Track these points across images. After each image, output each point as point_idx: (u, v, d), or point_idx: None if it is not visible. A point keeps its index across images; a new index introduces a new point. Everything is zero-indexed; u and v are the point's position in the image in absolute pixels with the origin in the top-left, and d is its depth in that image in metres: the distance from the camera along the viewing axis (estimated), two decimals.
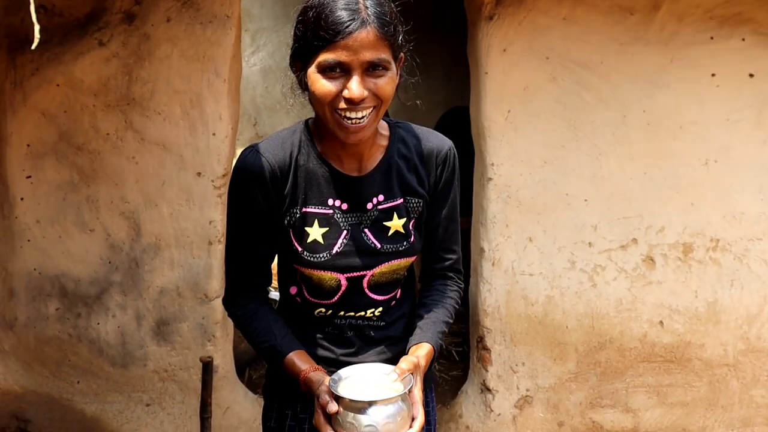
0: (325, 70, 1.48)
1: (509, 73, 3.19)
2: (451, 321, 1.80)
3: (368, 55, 1.46)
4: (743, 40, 3.20)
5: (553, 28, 3.16)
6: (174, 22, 3.01)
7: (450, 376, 4.08)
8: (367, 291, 1.70)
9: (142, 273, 3.17)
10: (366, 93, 1.48)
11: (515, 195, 3.25)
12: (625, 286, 3.31)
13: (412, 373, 1.53)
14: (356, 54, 1.45)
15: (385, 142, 1.69)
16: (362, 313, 1.72)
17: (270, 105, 6.55)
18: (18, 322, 3.19)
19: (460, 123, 3.88)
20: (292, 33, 1.57)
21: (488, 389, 3.38)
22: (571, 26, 3.17)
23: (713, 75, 3.22)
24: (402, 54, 1.59)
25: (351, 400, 1.45)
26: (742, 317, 3.35)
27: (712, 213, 3.29)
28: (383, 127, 1.70)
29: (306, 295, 1.71)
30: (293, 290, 1.74)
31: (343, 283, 1.67)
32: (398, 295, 1.78)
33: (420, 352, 1.65)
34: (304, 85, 1.57)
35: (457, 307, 1.83)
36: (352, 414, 1.44)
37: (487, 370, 3.37)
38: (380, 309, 1.74)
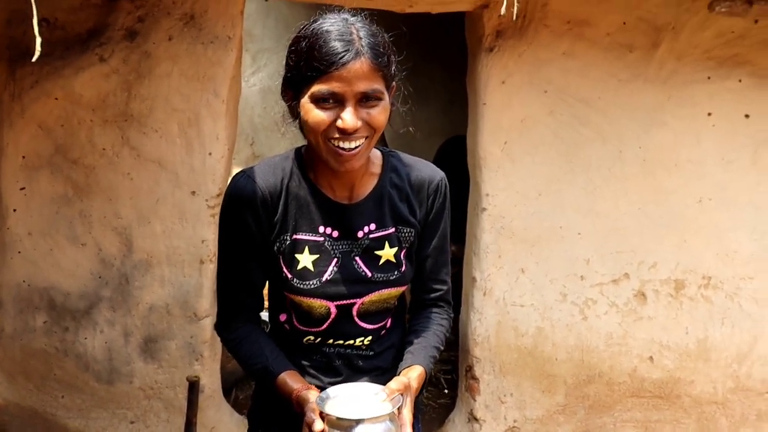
0: (319, 101, 1.47)
1: (507, 105, 3.20)
2: (442, 348, 1.78)
3: (362, 86, 1.45)
4: (740, 81, 3.22)
5: (553, 62, 3.18)
6: (175, 41, 3.02)
7: (438, 404, 4.05)
8: (356, 319, 1.69)
9: (131, 289, 3.15)
10: (359, 123, 1.47)
11: (509, 226, 3.25)
12: (615, 320, 3.31)
13: (402, 394, 1.50)
14: (350, 85, 1.44)
15: (377, 171, 1.68)
16: (351, 342, 1.71)
17: (268, 125, 6.56)
18: (4, 334, 3.16)
19: (460, 151, 3.89)
20: (284, 62, 1.56)
21: (476, 419, 3.36)
22: (570, 61, 3.19)
23: (709, 114, 3.24)
24: (394, 83, 1.58)
25: (338, 418, 1.41)
26: (732, 355, 3.34)
27: (705, 250, 3.30)
28: (376, 156, 1.70)
29: (295, 322, 1.70)
30: (282, 317, 1.73)
31: (333, 310, 1.66)
32: (388, 324, 1.77)
33: (412, 374, 1.63)
34: (295, 113, 1.57)
35: (447, 335, 1.81)
36: None
37: (475, 400, 3.35)
38: (370, 338, 1.72)
